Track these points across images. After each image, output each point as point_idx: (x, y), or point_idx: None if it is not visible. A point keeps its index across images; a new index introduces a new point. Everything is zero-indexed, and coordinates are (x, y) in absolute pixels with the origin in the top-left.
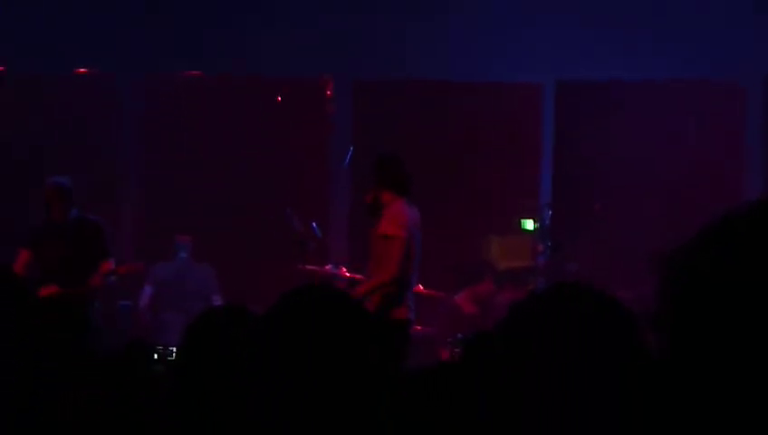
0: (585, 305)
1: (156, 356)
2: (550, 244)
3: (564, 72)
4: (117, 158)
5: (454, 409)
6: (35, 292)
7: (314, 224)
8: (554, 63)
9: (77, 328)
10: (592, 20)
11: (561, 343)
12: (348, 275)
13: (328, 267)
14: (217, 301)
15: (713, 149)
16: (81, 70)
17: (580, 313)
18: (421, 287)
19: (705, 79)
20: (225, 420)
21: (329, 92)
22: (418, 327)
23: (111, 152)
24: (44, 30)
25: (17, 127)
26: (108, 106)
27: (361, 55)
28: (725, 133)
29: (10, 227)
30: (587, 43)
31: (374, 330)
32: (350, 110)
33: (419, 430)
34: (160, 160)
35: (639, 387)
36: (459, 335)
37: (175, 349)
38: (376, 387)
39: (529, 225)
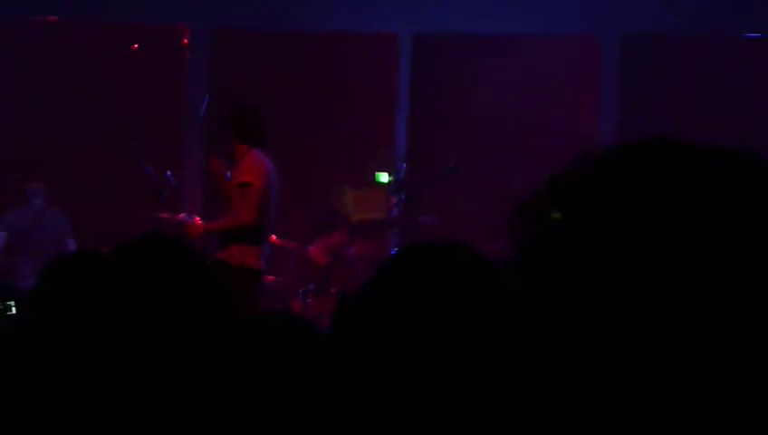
0: (439, 260)
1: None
2: (404, 196)
3: (421, 23)
4: None
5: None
6: None
7: (168, 172)
8: (411, 14)
9: None
10: None
11: (423, 299)
12: (201, 223)
13: (181, 216)
14: (72, 246)
15: (569, 103)
16: None
17: (436, 269)
18: (274, 238)
19: (562, 34)
20: (74, 365)
21: (185, 41)
22: (271, 277)
23: None
24: None
25: None
26: None
27: (220, 2)
28: (582, 89)
29: None
30: None
31: (209, 276)
32: (207, 59)
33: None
34: (12, 108)
35: (494, 328)
36: (311, 286)
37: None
38: (211, 332)
39: (383, 177)
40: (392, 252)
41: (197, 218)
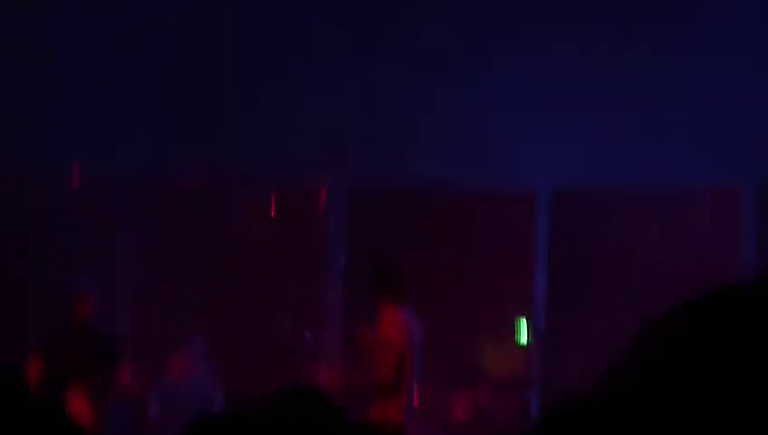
0: None
1: None
2: (543, 353)
3: (559, 178)
4: (115, 266)
5: None
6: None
7: (307, 334)
8: (549, 169)
9: None
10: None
11: None
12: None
13: (322, 377)
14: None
15: (708, 256)
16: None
17: None
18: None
19: (700, 185)
20: None
21: (323, 198)
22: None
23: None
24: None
25: None
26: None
27: (356, 158)
28: (721, 239)
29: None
30: (581, 150)
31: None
32: (345, 217)
33: None
34: (157, 269)
35: None
36: None
37: None
38: None
39: (524, 336)
40: (533, 411)
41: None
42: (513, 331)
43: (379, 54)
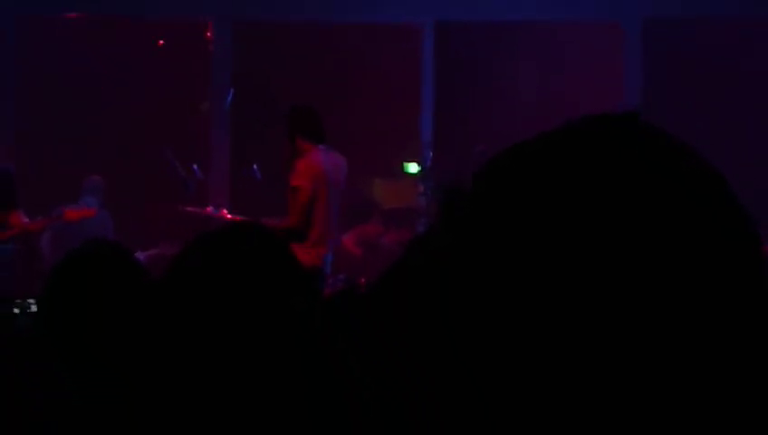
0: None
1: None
2: (432, 185)
3: (444, 12)
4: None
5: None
6: None
7: (195, 166)
8: (434, 2)
9: None
10: None
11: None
12: (229, 217)
13: (209, 209)
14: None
15: (592, 90)
16: None
17: None
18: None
19: (585, 20)
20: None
21: (209, 34)
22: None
23: None
24: None
25: None
26: None
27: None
28: (604, 75)
29: None
30: None
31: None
32: (230, 52)
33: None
34: (40, 106)
35: None
36: (341, 276)
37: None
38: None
39: (412, 168)
40: None
41: (225, 211)
42: (401, 164)
43: None
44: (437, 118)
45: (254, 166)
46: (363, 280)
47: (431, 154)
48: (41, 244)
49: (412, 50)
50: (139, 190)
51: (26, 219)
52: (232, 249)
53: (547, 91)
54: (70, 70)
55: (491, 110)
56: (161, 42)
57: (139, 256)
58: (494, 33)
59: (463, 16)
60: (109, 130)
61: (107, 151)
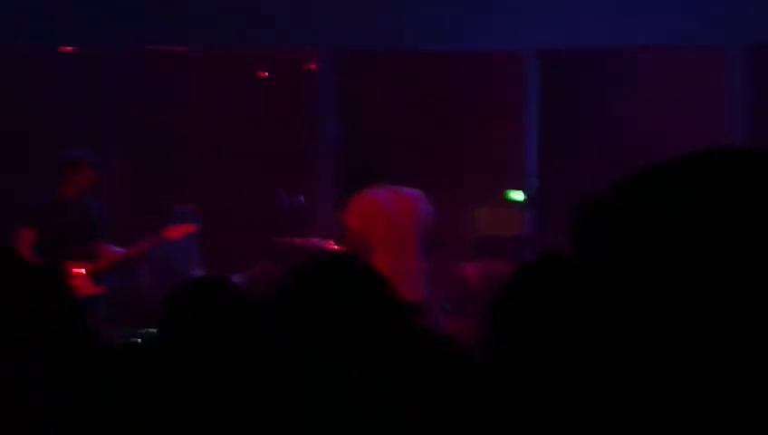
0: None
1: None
2: (536, 212)
3: (545, 39)
4: (100, 135)
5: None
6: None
7: (301, 198)
8: (535, 30)
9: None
10: None
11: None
12: (335, 247)
13: (314, 241)
14: (199, 273)
15: (695, 116)
16: (67, 48)
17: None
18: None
19: (687, 44)
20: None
21: (313, 66)
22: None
23: (95, 129)
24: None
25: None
26: (91, 84)
27: (343, 26)
28: (707, 100)
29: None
30: (568, 9)
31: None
32: (335, 83)
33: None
34: (143, 136)
35: None
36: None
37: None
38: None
39: (516, 196)
40: None
41: (330, 242)
42: (505, 193)
43: None
44: (541, 146)
45: (300, 197)
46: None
47: (535, 182)
48: (140, 274)
49: (515, 78)
50: (244, 222)
51: (116, 249)
52: (336, 279)
53: (650, 117)
54: (170, 101)
55: (595, 137)
56: (264, 73)
57: (237, 278)
58: (598, 60)
59: (566, 43)
60: (213, 163)
61: (210, 181)
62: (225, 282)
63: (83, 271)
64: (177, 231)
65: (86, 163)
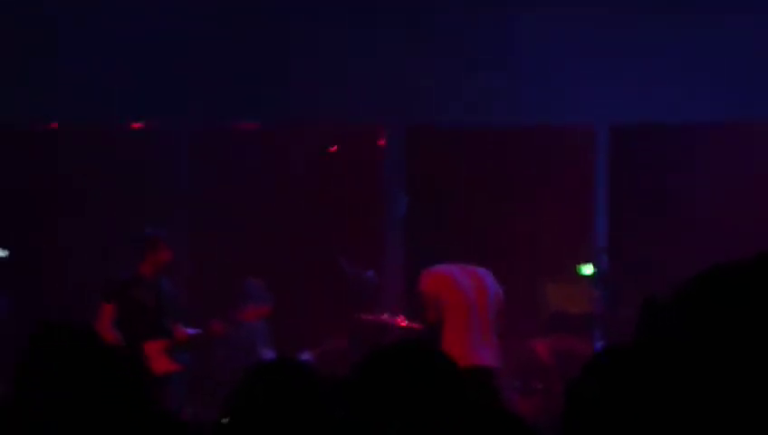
0: None
1: None
2: (607, 289)
3: (618, 114)
4: (173, 213)
5: None
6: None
7: (370, 272)
8: (607, 104)
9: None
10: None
11: None
12: (405, 324)
13: (384, 316)
14: (268, 354)
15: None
16: (137, 124)
17: None
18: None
19: (758, 119)
20: None
21: (382, 141)
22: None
23: (168, 207)
24: (96, 82)
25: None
26: (164, 161)
27: (410, 102)
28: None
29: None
30: (638, 86)
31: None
32: (403, 157)
33: None
34: (216, 213)
35: None
36: (518, 382)
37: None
38: None
39: (587, 270)
40: (596, 348)
41: (401, 319)
42: (577, 270)
43: None
44: (612, 222)
45: (370, 272)
46: (540, 386)
47: (606, 258)
48: (214, 354)
49: (586, 153)
50: (315, 297)
51: (188, 330)
52: (409, 364)
53: (722, 195)
54: (243, 178)
55: (665, 215)
56: (335, 147)
57: (307, 355)
58: (671, 136)
59: (638, 118)
60: (279, 238)
61: (279, 258)
62: (294, 364)
63: (159, 348)
64: (252, 313)
65: (163, 242)
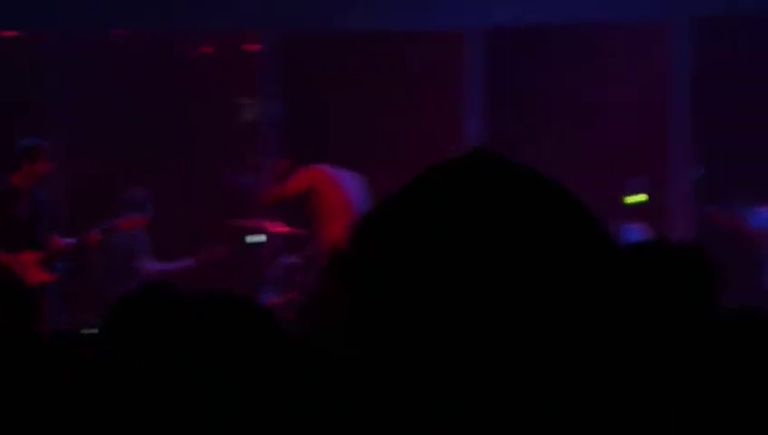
0: None
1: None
2: None
3: (486, 18)
4: (46, 121)
5: None
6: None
7: (249, 178)
8: (476, 9)
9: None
10: None
11: None
12: (282, 229)
13: (264, 223)
14: (147, 265)
15: (639, 90)
16: (9, 33)
17: None
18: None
19: (630, 21)
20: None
21: (258, 46)
22: None
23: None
24: None
25: None
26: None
27: (284, 9)
28: (651, 75)
29: None
30: None
31: None
32: (278, 62)
33: None
34: (90, 122)
35: None
36: None
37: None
38: None
39: None
40: None
41: (278, 224)
42: None
43: None
44: (484, 122)
45: (248, 177)
46: None
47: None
48: (90, 264)
49: (456, 58)
50: (196, 204)
51: (63, 241)
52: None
53: (591, 91)
54: (114, 84)
55: (537, 114)
56: (209, 49)
57: (188, 261)
58: (538, 38)
59: (506, 21)
60: (156, 145)
61: (156, 165)
62: (169, 288)
63: (34, 259)
64: (129, 223)
65: (43, 153)
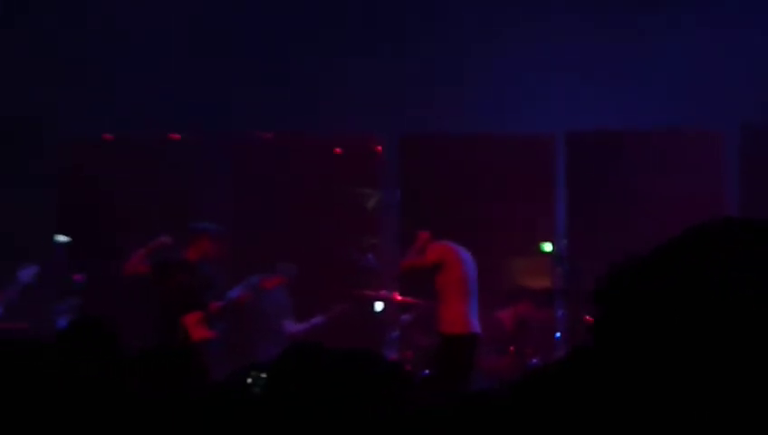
0: None
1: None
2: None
3: (572, 123)
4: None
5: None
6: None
7: (370, 256)
8: (565, 115)
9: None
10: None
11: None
12: (400, 298)
13: (383, 292)
14: (290, 321)
15: (696, 192)
16: (174, 135)
17: None
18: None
19: (686, 126)
20: None
21: (378, 147)
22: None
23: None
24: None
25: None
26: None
27: (401, 115)
28: (707, 176)
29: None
30: (587, 97)
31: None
32: (397, 161)
33: None
34: (251, 211)
35: None
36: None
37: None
38: None
39: (547, 247)
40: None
41: (396, 293)
42: (541, 253)
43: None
44: (570, 211)
45: (370, 255)
46: (512, 349)
47: (565, 240)
48: (244, 320)
49: (547, 156)
50: (328, 278)
51: (219, 302)
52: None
53: (656, 192)
54: (264, 175)
55: (615, 206)
56: (339, 150)
57: (320, 317)
58: (616, 141)
59: (590, 126)
60: (299, 228)
61: (301, 247)
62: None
63: (196, 319)
64: (272, 282)
65: (208, 235)
